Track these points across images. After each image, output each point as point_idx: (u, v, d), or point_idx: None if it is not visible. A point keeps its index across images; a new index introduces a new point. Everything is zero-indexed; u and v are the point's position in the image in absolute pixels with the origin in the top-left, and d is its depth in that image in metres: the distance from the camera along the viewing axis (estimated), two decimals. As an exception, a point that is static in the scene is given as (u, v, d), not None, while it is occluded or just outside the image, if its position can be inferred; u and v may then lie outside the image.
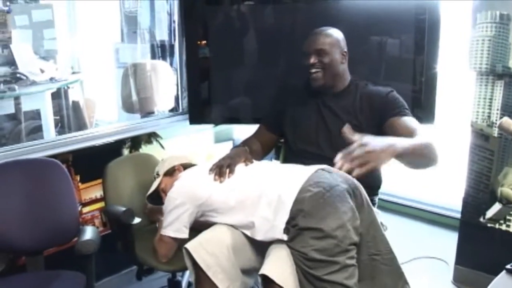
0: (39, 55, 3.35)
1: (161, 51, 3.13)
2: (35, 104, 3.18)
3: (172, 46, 3.05)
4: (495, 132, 2.43)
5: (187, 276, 2.53)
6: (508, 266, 1.55)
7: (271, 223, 1.70)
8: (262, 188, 1.78)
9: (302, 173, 1.77)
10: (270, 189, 1.76)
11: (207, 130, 3.07)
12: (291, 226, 1.65)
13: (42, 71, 3.26)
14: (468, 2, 2.46)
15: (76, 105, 3.52)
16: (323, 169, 1.80)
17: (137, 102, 3.04)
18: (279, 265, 1.63)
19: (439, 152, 1.77)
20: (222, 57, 2.69)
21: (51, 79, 3.30)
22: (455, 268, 2.68)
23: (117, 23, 3.40)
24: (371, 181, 2.02)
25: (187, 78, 2.84)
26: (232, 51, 2.69)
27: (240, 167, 1.96)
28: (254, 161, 2.04)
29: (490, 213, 2.52)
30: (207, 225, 1.88)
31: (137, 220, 2.09)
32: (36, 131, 3.13)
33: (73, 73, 3.63)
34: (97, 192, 2.54)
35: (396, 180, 3.35)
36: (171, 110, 3.07)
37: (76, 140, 2.50)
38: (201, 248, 1.75)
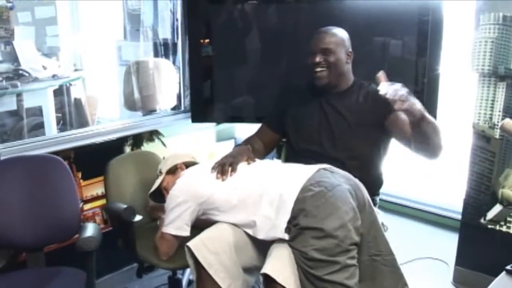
0: (41, 52, 3.36)
1: (163, 49, 3.13)
2: (37, 101, 3.19)
3: (175, 45, 3.05)
4: (497, 133, 2.43)
5: (188, 274, 2.53)
6: (508, 267, 1.56)
7: (273, 222, 1.70)
8: (264, 187, 1.79)
9: (304, 172, 1.77)
10: (272, 188, 1.76)
11: (209, 129, 3.08)
12: (292, 225, 1.65)
13: (44, 68, 3.27)
14: (471, 4, 2.46)
15: (78, 102, 3.52)
16: (325, 169, 1.81)
17: (139, 100, 3.03)
18: (280, 264, 1.63)
19: (444, 141, 1.86)
20: (224, 56, 2.69)
21: (54, 76, 3.31)
22: (455, 269, 2.68)
23: (120, 21, 3.40)
24: (372, 181, 2.02)
25: (189, 77, 2.84)
26: (235, 50, 2.70)
27: (242, 166, 1.97)
28: (256, 160, 2.05)
29: (490, 214, 2.52)
30: (209, 223, 1.88)
31: (138, 217, 2.08)
32: (38, 128, 3.14)
33: (76, 70, 3.64)
34: (99, 189, 2.54)
35: (397, 180, 3.35)
36: (173, 108, 3.07)
37: (78, 137, 2.50)
38: (203, 246, 1.76)
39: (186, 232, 1.91)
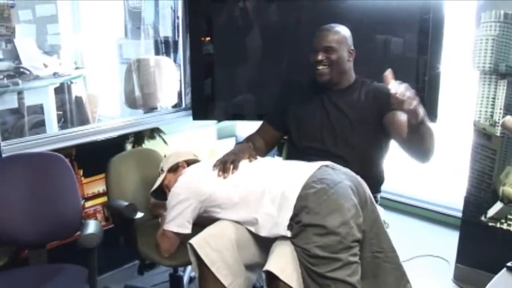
0: (42, 50, 3.36)
1: (164, 47, 3.13)
2: (38, 99, 3.19)
3: (176, 42, 3.05)
4: (498, 131, 2.43)
5: (189, 271, 2.54)
6: (508, 264, 1.56)
7: (275, 220, 1.71)
8: (265, 184, 1.79)
9: (305, 169, 1.77)
10: (274, 186, 1.76)
11: (210, 126, 3.08)
12: (294, 222, 1.66)
13: (45, 66, 3.27)
14: (472, 2, 2.46)
15: (79, 100, 3.52)
16: (327, 166, 1.81)
17: (140, 98, 3.04)
18: (283, 261, 1.64)
19: (437, 147, 1.82)
20: (226, 54, 2.69)
21: (55, 74, 3.31)
22: (456, 266, 2.69)
23: (121, 18, 3.39)
24: (374, 178, 2.03)
25: (190, 74, 2.84)
26: (236, 48, 2.70)
27: (244, 163, 1.97)
28: (258, 157, 2.05)
29: (491, 212, 2.52)
30: (211, 220, 1.89)
31: (139, 214, 2.09)
32: (39, 125, 3.13)
33: (77, 68, 3.64)
34: (100, 187, 2.54)
35: (397, 178, 3.35)
36: (174, 106, 3.07)
37: (80, 135, 2.50)
38: (205, 244, 1.76)
39: (188, 230, 1.92)
